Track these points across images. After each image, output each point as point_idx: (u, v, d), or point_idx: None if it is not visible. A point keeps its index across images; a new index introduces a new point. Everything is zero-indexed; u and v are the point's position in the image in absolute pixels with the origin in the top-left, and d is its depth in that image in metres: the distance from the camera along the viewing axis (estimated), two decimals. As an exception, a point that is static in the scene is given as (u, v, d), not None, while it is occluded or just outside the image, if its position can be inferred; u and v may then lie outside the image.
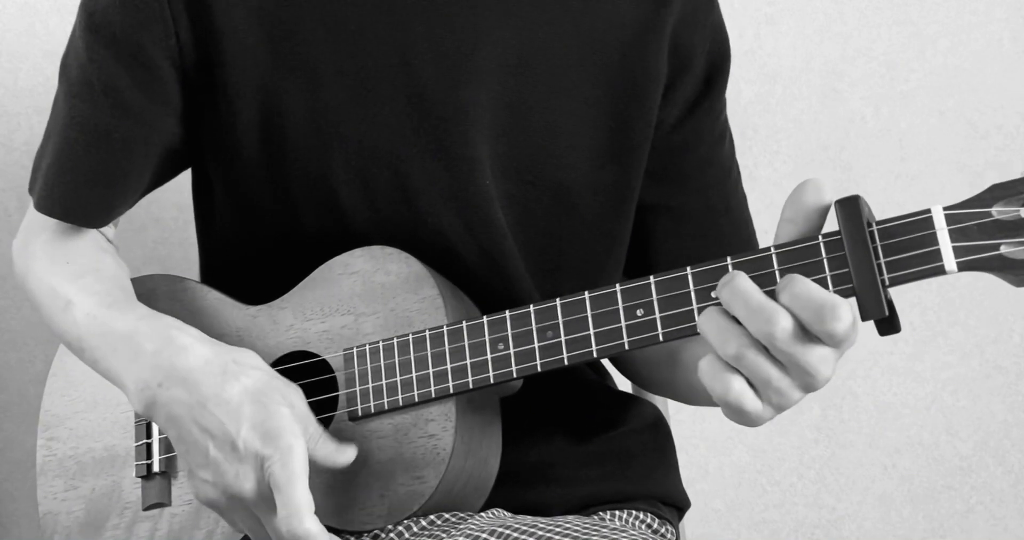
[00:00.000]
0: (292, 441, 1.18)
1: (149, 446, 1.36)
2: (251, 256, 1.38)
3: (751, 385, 1.07)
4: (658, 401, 1.59)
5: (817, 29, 2.08)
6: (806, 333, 1.04)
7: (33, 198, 1.40)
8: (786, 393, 1.07)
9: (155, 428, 1.36)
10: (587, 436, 1.40)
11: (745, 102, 2.04)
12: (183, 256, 1.94)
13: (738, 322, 1.06)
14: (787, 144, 2.09)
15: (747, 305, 1.05)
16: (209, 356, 1.23)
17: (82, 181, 1.36)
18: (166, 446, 1.35)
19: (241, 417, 1.19)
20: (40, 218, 1.41)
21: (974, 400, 2.16)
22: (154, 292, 1.39)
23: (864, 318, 1.06)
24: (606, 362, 1.55)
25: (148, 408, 1.24)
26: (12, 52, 1.90)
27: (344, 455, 1.23)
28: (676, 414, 1.95)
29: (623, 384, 1.56)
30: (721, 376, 1.07)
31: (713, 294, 1.11)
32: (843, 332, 1.03)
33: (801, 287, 1.04)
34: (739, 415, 1.08)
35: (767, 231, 1.47)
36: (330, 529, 1.24)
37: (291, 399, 1.22)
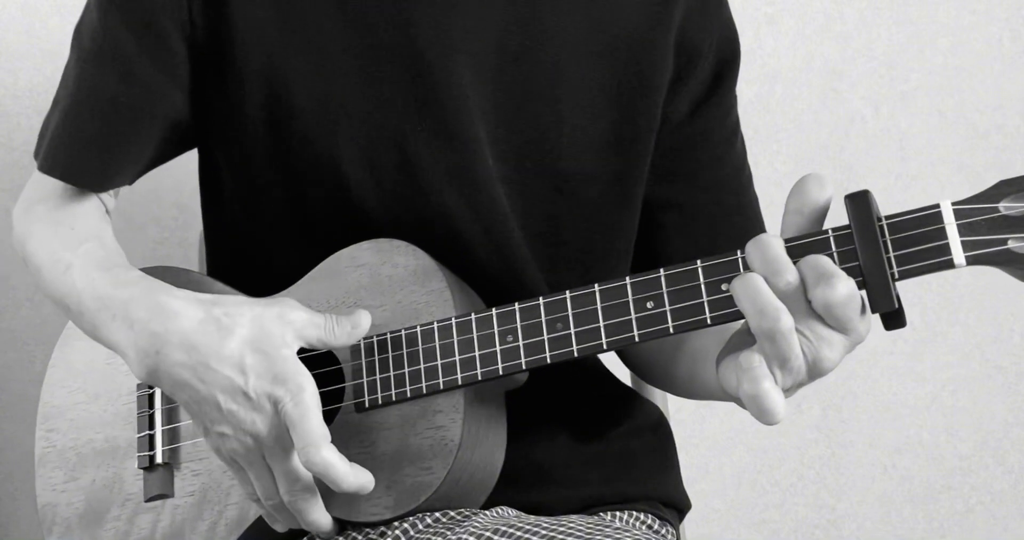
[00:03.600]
0: (301, 380, 1.20)
1: (152, 437, 1.36)
2: (257, 239, 1.39)
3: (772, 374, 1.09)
4: (659, 401, 1.59)
5: (817, 29, 2.09)
6: (811, 308, 1.07)
7: (37, 161, 1.41)
8: (795, 376, 1.09)
9: (157, 420, 1.36)
10: (589, 437, 1.40)
11: (745, 102, 2.03)
12: (183, 256, 1.94)
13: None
14: (787, 144, 2.09)
15: (764, 255, 1.08)
16: (201, 315, 1.23)
17: (84, 144, 1.38)
18: (169, 437, 1.35)
19: (246, 368, 1.21)
20: (43, 184, 1.41)
21: (974, 400, 2.16)
22: None
23: (874, 310, 1.07)
24: (609, 362, 1.55)
25: (150, 375, 1.25)
26: (12, 52, 1.90)
27: (360, 323, 1.25)
28: (676, 413, 1.95)
29: (624, 382, 1.56)
30: (752, 373, 1.08)
31: (724, 287, 1.12)
32: (836, 302, 1.06)
33: (815, 257, 1.07)
34: (761, 412, 1.10)
35: (773, 232, 1.47)
36: (337, 521, 1.25)
37: (287, 323, 1.23)
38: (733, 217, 1.44)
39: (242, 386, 1.21)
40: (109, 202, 1.45)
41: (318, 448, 1.19)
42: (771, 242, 1.08)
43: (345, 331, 1.25)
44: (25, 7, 1.90)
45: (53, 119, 1.40)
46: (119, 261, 1.34)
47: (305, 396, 1.20)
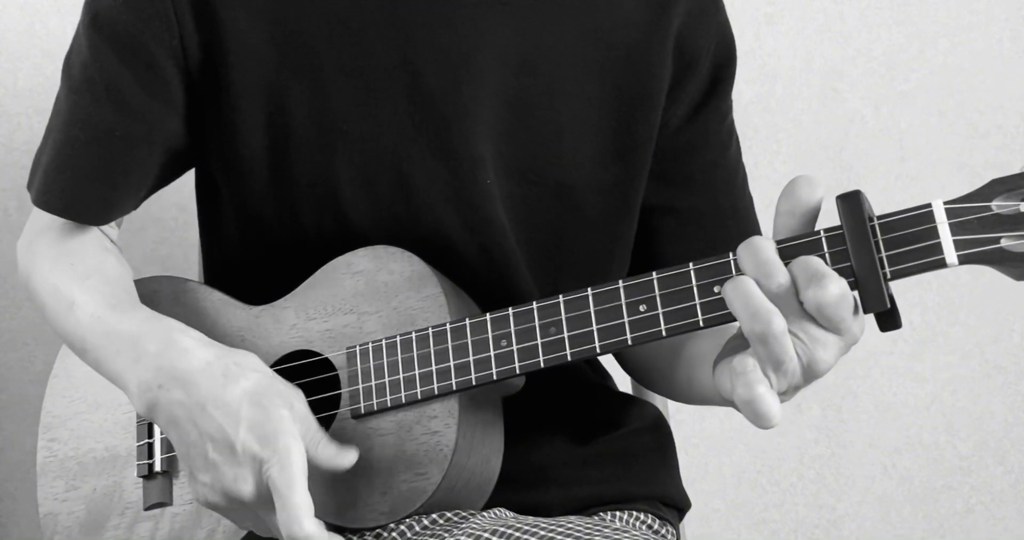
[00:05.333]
0: (290, 442, 1.18)
1: (151, 446, 1.36)
2: (253, 257, 1.38)
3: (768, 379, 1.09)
4: (658, 401, 1.59)
5: (817, 29, 2.09)
6: (804, 310, 1.07)
7: (31, 194, 1.40)
8: (790, 378, 1.09)
9: (157, 428, 1.36)
10: (588, 437, 1.40)
11: (745, 102, 2.04)
12: (183, 256, 1.94)
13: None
14: (787, 144, 2.09)
15: (756, 258, 1.08)
16: (210, 358, 1.23)
17: (81, 177, 1.36)
18: (168, 446, 1.35)
19: (240, 419, 1.19)
20: (44, 218, 1.41)
21: (974, 400, 2.16)
22: (157, 293, 1.39)
23: (866, 311, 1.07)
24: (608, 364, 1.55)
25: (150, 410, 1.24)
26: (12, 52, 1.90)
27: (346, 458, 1.23)
28: (676, 414, 1.95)
29: (623, 385, 1.56)
30: (747, 377, 1.09)
31: (716, 289, 1.12)
32: (827, 302, 1.05)
33: (806, 258, 1.07)
34: (757, 416, 1.10)
35: (769, 231, 1.47)
36: (332, 527, 1.25)
37: (291, 401, 1.21)
38: (729, 221, 1.43)
39: (231, 437, 1.19)
40: (111, 232, 1.44)
41: (301, 523, 1.17)
42: (762, 244, 1.08)
43: (328, 453, 1.22)
44: (25, 7, 1.90)
45: (47, 151, 1.39)
46: (122, 295, 1.33)
47: (291, 462, 1.18)
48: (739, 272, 1.11)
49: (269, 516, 1.21)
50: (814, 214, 1.11)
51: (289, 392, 1.22)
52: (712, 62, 1.42)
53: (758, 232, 1.45)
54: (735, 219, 1.44)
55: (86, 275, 1.35)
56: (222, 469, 1.20)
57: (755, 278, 1.08)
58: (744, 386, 1.09)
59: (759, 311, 1.07)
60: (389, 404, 1.25)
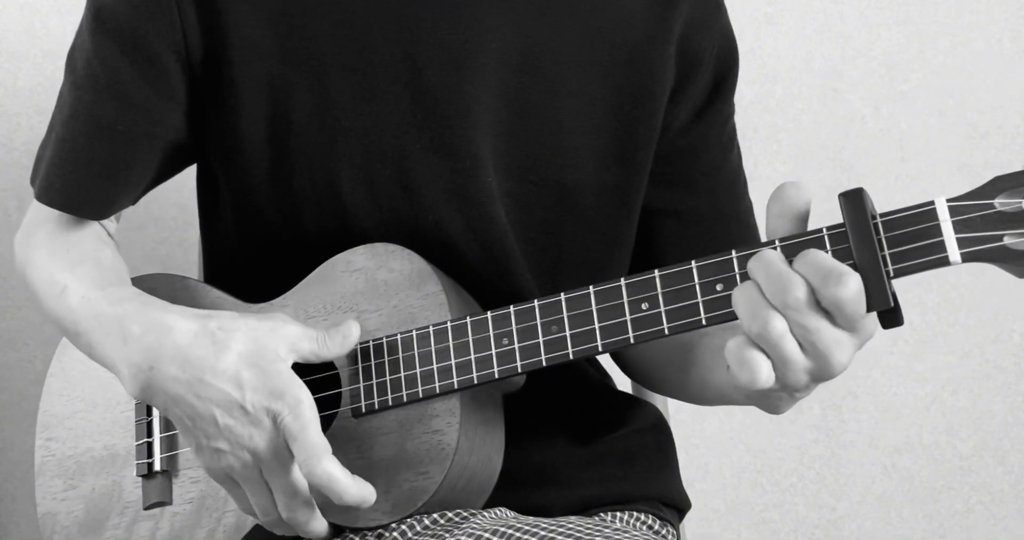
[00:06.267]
0: (298, 393, 1.20)
1: (150, 445, 1.36)
2: (253, 254, 1.38)
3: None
4: (658, 401, 1.59)
5: (817, 29, 2.09)
6: (821, 309, 1.05)
7: (34, 189, 1.41)
8: (800, 376, 1.08)
9: (156, 427, 1.36)
10: (589, 438, 1.40)
11: (745, 102, 2.04)
12: (183, 256, 1.94)
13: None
14: (787, 144, 2.09)
15: (767, 272, 1.06)
16: (195, 329, 1.23)
17: (84, 172, 1.37)
18: (167, 445, 1.35)
19: (243, 383, 1.20)
20: (43, 211, 1.41)
21: (974, 400, 2.16)
22: (155, 291, 1.39)
23: (869, 309, 1.06)
24: (607, 364, 1.55)
25: (144, 392, 1.24)
26: (12, 52, 1.90)
27: (351, 333, 1.25)
28: (676, 414, 1.95)
29: (623, 385, 1.56)
30: (748, 356, 1.07)
31: (718, 287, 1.11)
32: (848, 299, 1.04)
33: (813, 255, 1.05)
34: (761, 399, 1.09)
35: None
36: (334, 526, 1.25)
37: (281, 331, 1.23)
38: (730, 224, 1.43)
39: (239, 400, 1.20)
40: (110, 226, 1.45)
41: (319, 460, 1.18)
42: (773, 257, 1.07)
43: (337, 342, 1.25)
44: (25, 7, 1.91)
45: (49, 146, 1.39)
46: (114, 279, 1.34)
47: (303, 409, 1.19)
48: (742, 272, 1.10)
49: (283, 478, 1.21)
50: (804, 216, 1.09)
51: (277, 329, 1.23)
52: (715, 65, 1.42)
53: (758, 236, 1.46)
54: (736, 222, 1.44)
55: (80, 262, 1.35)
56: (236, 430, 1.20)
57: (770, 293, 1.06)
58: (734, 341, 1.08)
59: (759, 314, 1.06)
60: (390, 403, 1.25)
